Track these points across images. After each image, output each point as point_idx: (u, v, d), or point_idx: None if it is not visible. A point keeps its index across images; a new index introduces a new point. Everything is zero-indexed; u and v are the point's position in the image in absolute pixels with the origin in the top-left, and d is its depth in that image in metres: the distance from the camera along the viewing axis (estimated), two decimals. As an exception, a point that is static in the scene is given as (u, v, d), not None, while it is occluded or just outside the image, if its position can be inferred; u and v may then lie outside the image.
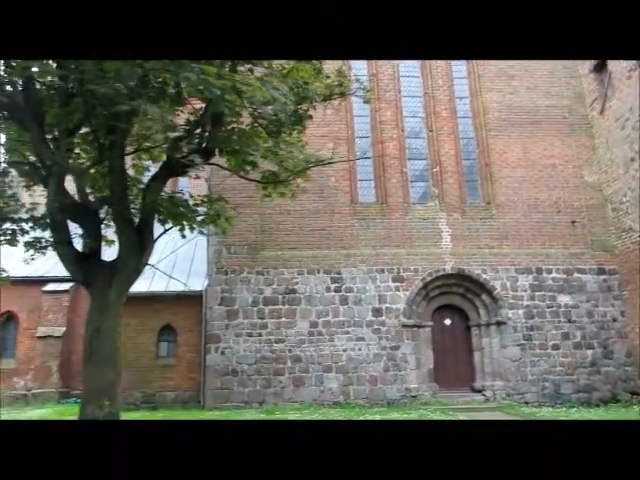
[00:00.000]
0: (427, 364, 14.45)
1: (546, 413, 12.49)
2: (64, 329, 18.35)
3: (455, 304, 15.13)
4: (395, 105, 15.83)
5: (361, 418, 11.29)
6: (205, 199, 8.12)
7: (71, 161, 7.63)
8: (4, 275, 9.18)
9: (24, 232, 8.54)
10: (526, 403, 13.90)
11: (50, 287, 18.56)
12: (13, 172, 9.11)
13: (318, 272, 14.61)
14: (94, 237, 7.90)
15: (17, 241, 8.57)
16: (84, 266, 7.69)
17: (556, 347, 14.45)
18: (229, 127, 7.93)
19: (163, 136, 5.28)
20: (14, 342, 18.89)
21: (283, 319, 14.28)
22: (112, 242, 8.61)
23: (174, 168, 8.31)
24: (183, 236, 8.35)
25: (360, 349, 14.13)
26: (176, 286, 15.21)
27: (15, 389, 18.12)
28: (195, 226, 8.23)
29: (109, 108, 6.42)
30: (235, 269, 14.51)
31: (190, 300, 15.04)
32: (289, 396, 13.79)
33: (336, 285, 14.51)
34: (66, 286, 18.69)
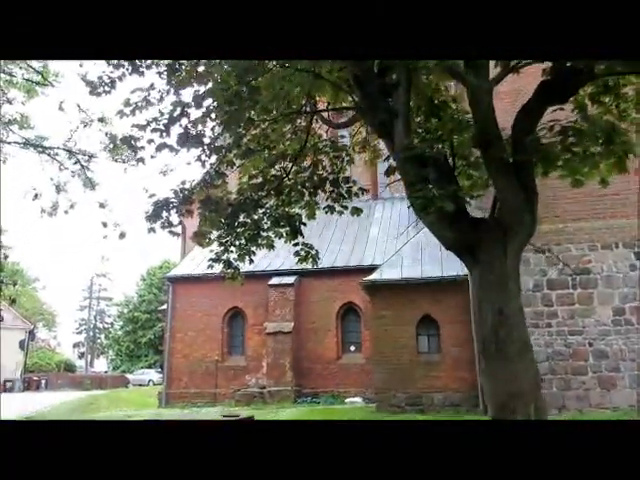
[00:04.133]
0: None
1: None
2: (292, 324, 17.37)
3: None
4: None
5: None
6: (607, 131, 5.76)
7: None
8: (313, 252, 7.62)
9: (351, 194, 6.91)
10: None
11: (275, 281, 17.68)
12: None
13: (616, 247, 11.72)
14: (456, 190, 5.96)
15: (343, 208, 6.99)
16: (462, 227, 5.75)
17: None
18: None
19: None
20: (242, 339, 18.32)
21: (577, 306, 11.60)
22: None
23: (555, 93, 6.10)
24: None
25: (688, 342, 11.00)
26: (432, 272, 13.25)
27: (247, 386, 17.47)
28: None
29: None
30: (508, 248, 12.10)
31: (450, 287, 12.94)
32: (596, 401, 11.08)
33: (644, 262, 11.52)
34: (291, 279, 17.70)
